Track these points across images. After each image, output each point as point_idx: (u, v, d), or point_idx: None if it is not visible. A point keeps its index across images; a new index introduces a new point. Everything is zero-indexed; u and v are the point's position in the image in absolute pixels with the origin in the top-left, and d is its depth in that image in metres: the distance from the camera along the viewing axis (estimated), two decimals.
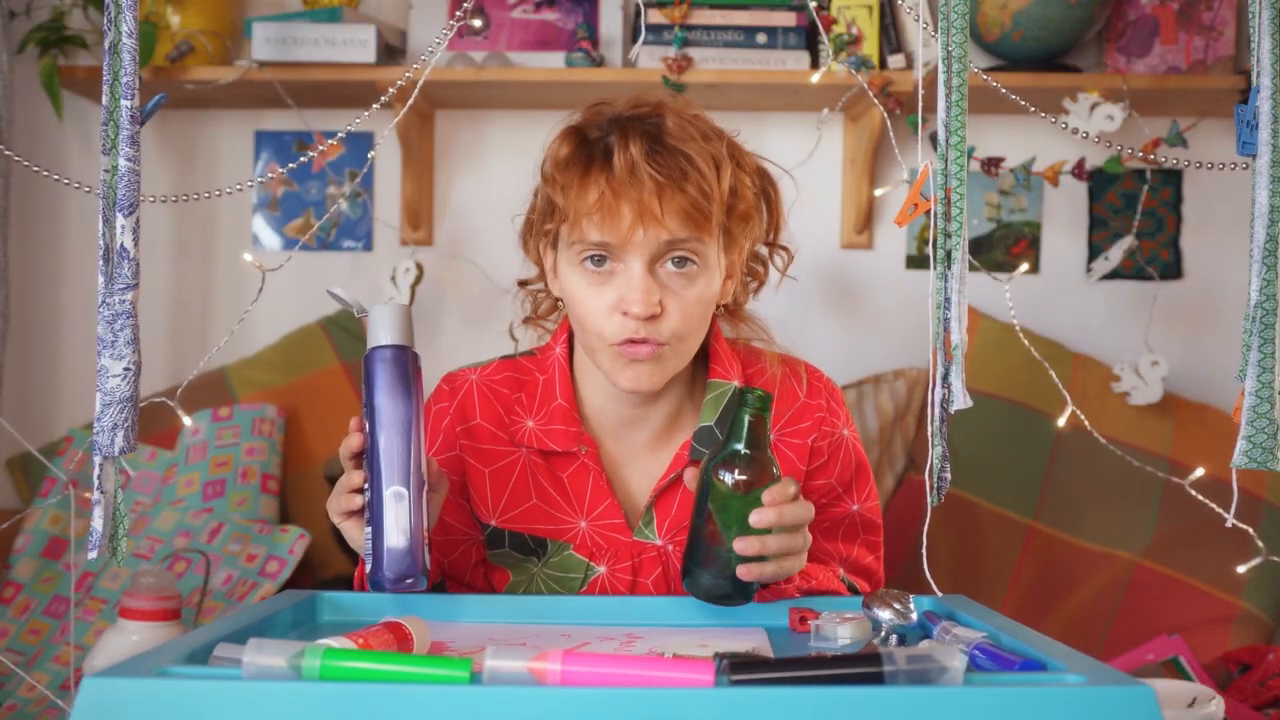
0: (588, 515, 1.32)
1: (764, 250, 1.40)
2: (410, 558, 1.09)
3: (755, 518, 1.11)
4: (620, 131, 1.22)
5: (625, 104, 1.27)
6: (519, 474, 1.33)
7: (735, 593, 1.15)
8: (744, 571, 1.12)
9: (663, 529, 1.32)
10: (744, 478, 1.12)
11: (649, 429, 1.34)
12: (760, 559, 1.12)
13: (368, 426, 1.12)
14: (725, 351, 1.36)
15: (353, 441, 1.14)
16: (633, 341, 1.22)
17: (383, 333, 1.14)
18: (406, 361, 1.13)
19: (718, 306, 1.33)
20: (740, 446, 1.13)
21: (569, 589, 1.32)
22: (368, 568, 1.11)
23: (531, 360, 1.38)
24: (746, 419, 1.14)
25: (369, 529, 1.11)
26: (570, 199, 1.22)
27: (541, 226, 1.30)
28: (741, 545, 1.11)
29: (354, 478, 1.14)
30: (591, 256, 1.23)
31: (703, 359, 1.36)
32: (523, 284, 1.42)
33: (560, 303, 1.38)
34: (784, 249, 1.40)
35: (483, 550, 1.37)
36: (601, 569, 1.32)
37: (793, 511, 1.12)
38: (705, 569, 1.14)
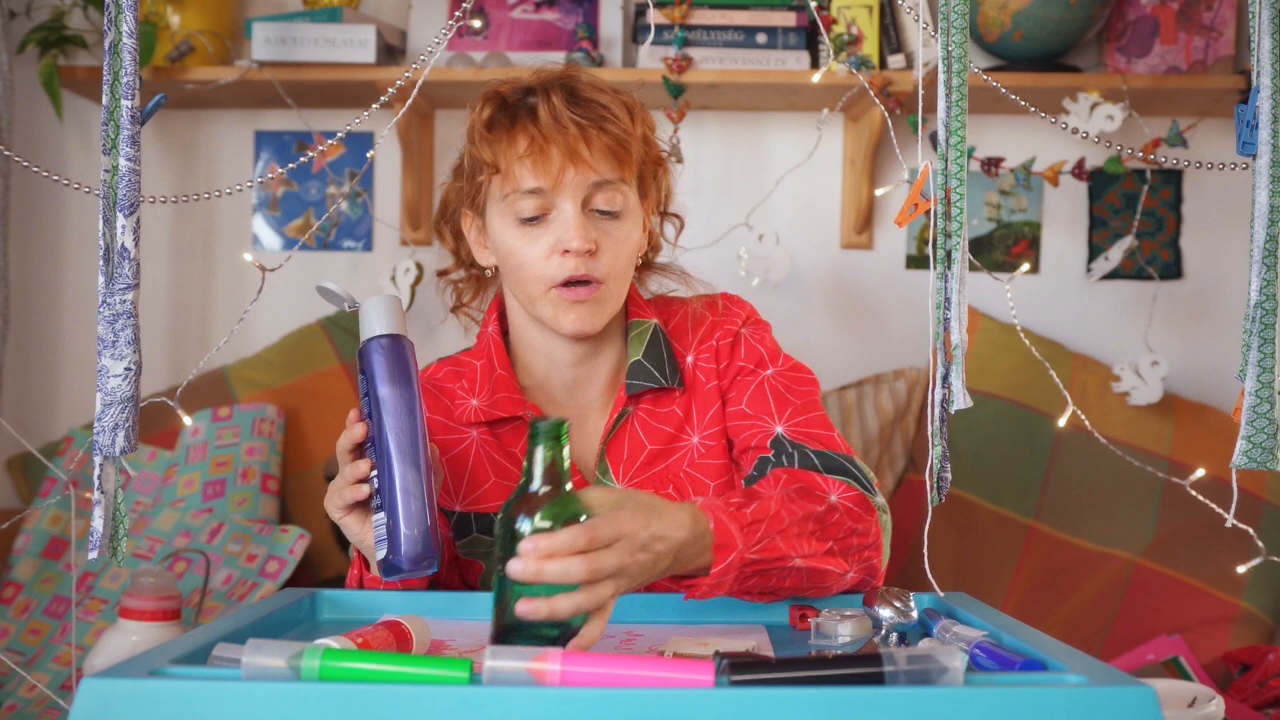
0: None
1: (655, 221, 1.46)
2: (427, 539, 1.10)
3: (511, 567, 0.93)
4: (540, 89, 1.31)
5: (532, 73, 1.36)
6: (475, 456, 1.36)
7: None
8: (525, 610, 0.93)
9: (619, 475, 1.35)
10: (545, 524, 0.94)
11: (595, 388, 1.39)
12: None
13: (370, 416, 1.13)
14: (639, 297, 1.43)
15: (356, 432, 1.14)
16: (573, 281, 1.28)
17: (377, 323, 1.15)
18: (404, 348, 1.14)
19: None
20: (536, 487, 0.97)
21: None
22: (380, 554, 1.11)
23: (465, 354, 1.43)
24: (539, 453, 0.97)
25: (380, 515, 1.11)
26: (500, 151, 1.30)
27: (473, 182, 1.35)
28: (525, 609, 0.93)
29: (359, 467, 1.14)
30: (525, 208, 1.28)
31: (625, 313, 1.42)
32: (442, 273, 1.48)
33: (487, 272, 1.42)
34: (676, 216, 1.47)
35: (452, 548, 1.38)
36: None
37: (569, 566, 0.93)
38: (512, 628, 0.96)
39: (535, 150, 1.28)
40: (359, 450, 1.16)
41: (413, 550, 1.10)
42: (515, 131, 1.30)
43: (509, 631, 0.95)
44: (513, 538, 0.94)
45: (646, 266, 1.46)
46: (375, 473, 1.12)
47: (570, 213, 1.28)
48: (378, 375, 1.13)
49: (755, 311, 1.44)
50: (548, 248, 1.29)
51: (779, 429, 1.32)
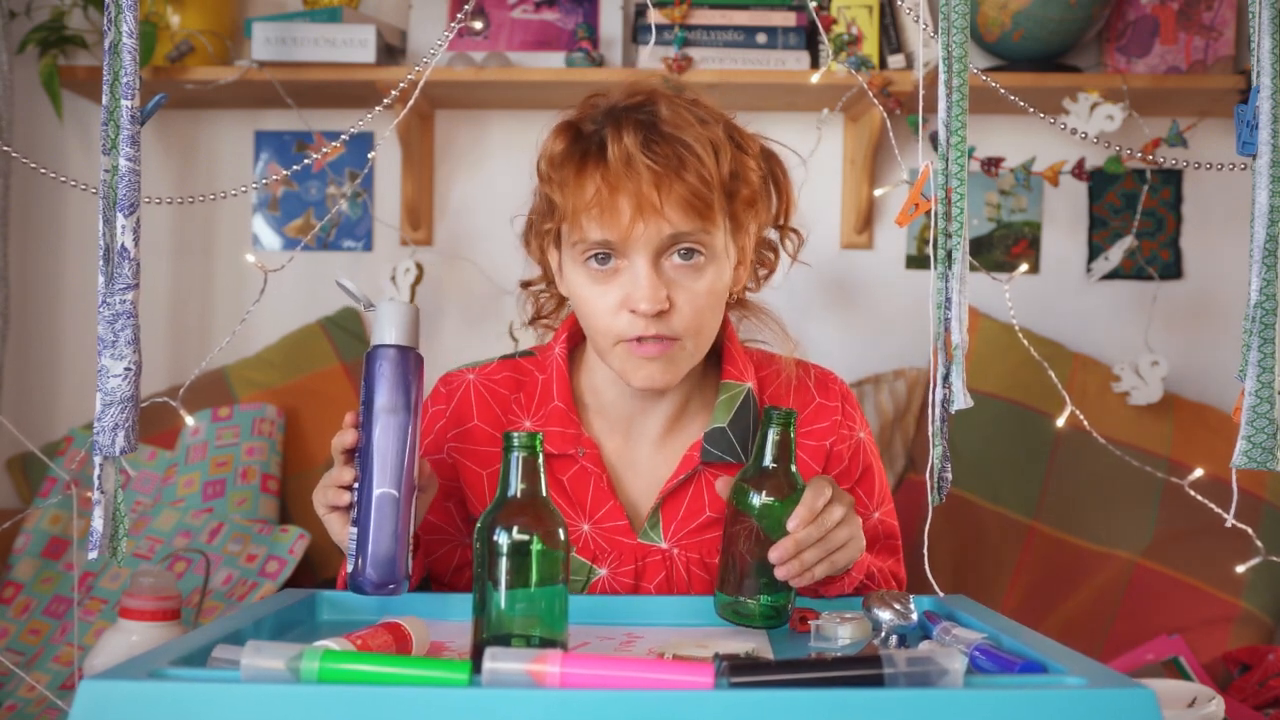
0: (590, 518, 1.29)
1: (774, 235, 1.36)
2: (394, 564, 1.08)
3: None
4: (614, 123, 1.18)
5: (620, 94, 1.23)
6: None
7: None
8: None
9: (669, 532, 1.29)
10: (524, 536, 0.98)
11: (657, 423, 1.32)
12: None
13: (363, 424, 1.10)
14: (739, 352, 1.33)
15: (346, 438, 1.11)
16: (642, 340, 1.19)
17: (389, 331, 1.11)
18: (409, 363, 1.11)
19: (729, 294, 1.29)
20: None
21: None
22: (350, 567, 1.09)
23: (531, 361, 1.36)
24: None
25: (354, 529, 1.09)
26: (567, 196, 1.19)
27: (541, 226, 1.27)
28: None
29: (344, 474, 1.11)
30: (595, 255, 1.19)
31: (714, 357, 1.33)
32: (525, 285, 1.40)
33: (567, 300, 1.34)
34: (795, 232, 1.36)
35: (468, 553, 1.34)
36: (603, 572, 1.29)
37: (819, 526, 1.10)
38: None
39: (602, 201, 1.15)
40: (351, 454, 1.12)
41: (376, 574, 1.07)
42: (583, 175, 1.17)
43: (492, 645, 0.95)
44: (492, 550, 0.97)
45: (740, 304, 1.36)
46: (357, 485, 1.10)
47: (641, 269, 1.17)
48: (377, 388, 1.09)
49: (857, 402, 1.39)
50: (617, 302, 1.19)
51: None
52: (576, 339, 1.35)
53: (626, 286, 1.18)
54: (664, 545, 1.29)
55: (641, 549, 1.29)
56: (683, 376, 1.25)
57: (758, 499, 1.12)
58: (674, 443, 1.32)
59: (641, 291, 1.17)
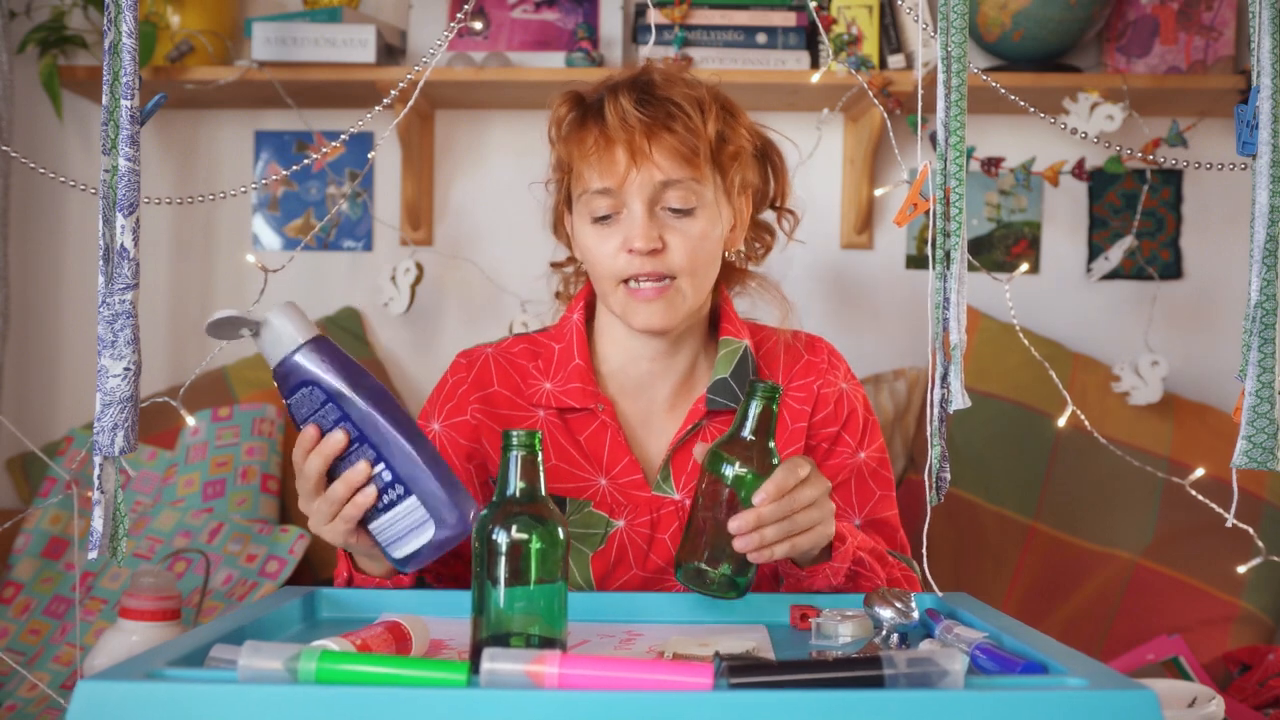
0: (607, 473, 1.37)
1: (770, 218, 1.49)
2: (466, 493, 1.11)
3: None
4: (612, 90, 1.34)
5: (617, 75, 1.39)
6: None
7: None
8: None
9: (680, 483, 1.37)
10: (523, 535, 0.97)
11: (667, 385, 1.40)
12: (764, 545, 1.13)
13: (340, 421, 1.09)
14: (734, 315, 1.44)
15: (337, 438, 1.09)
16: (640, 281, 1.31)
17: (299, 333, 1.11)
18: (329, 345, 1.11)
19: (725, 253, 1.40)
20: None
21: (589, 545, 1.35)
22: (421, 539, 1.10)
23: (545, 334, 1.44)
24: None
25: (410, 500, 1.09)
26: (571, 149, 1.35)
27: (557, 181, 1.41)
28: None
29: (356, 473, 1.09)
30: (597, 208, 1.32)
31: (715, 325, 1.44)
32: (555, 265, 1.52)
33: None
34: (790, 212, 1.48)
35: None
36: (620, 524, 1.35)
37: (785, 505, 1.11)
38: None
39: (600, 150, 1.31)
40: (327, 475, 1.11)
41: (467, 506, 1.10)
42: (584, 132, 1.33)
43: (491, 643, 0.96)
44: (490, 549, 0.97)
45: (741, 272, 1.47)
46: (381, 468, 1.09)
47: (638, 212, 1.31)
48: (328, 381, 1.09)
49: (843, 358, 1.47)
50: (616, 246, 1.32)
51: (856, 523, 1.39)
52: (591, 309, 1.45)
53: (625, 230, 1.31)
54: (676, 496, 1.37)
55: (656, 501, 1.36)
56: (681, 319, 1.34)
57: (730, 469, 1.12)
58: (684, 404, 1.41)
59: (636, 230, 1.30)
